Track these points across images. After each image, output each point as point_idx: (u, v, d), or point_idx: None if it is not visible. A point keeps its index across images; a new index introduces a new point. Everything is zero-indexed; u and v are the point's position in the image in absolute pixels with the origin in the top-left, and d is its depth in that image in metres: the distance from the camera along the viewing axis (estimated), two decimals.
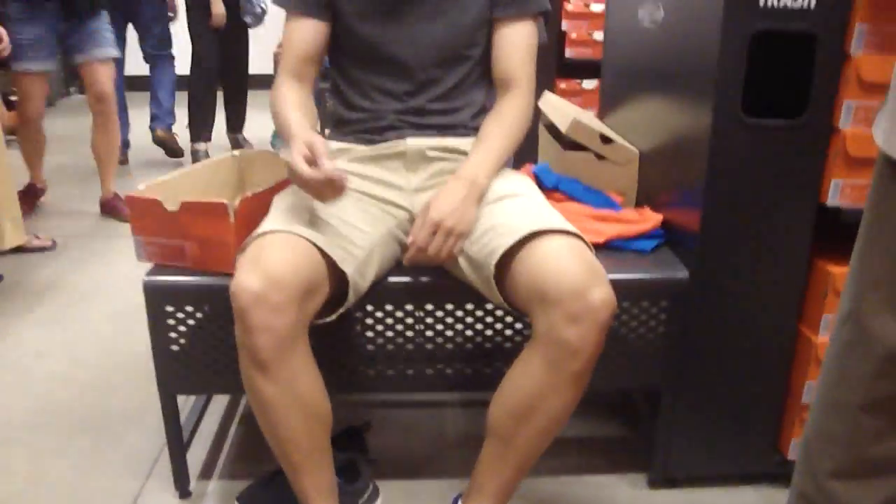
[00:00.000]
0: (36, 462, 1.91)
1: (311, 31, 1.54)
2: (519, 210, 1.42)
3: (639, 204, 1.89)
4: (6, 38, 2.98)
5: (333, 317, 1.43)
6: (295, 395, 1.32)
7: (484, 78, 1.60)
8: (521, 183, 1.54)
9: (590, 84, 3.82)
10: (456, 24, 1.51)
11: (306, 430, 1.36)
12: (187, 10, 4.43)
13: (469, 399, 2.23)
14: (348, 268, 1.37)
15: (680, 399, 1.72)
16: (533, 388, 1.32)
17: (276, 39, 4.66)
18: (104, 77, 3.45)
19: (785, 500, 1.76)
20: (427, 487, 1.82)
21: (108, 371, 2.36)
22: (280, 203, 1.49)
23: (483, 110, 1.59)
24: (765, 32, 1.47)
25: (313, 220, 1.40)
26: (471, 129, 1.57)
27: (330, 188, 1.30)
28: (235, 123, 4.94)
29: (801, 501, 1.23)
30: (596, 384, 1.67)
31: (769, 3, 1.46)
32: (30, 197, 3.79)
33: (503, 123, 1.52)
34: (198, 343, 1.62)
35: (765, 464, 1.80)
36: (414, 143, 1.54)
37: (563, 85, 3.80)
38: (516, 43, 1.54)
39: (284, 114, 1.48)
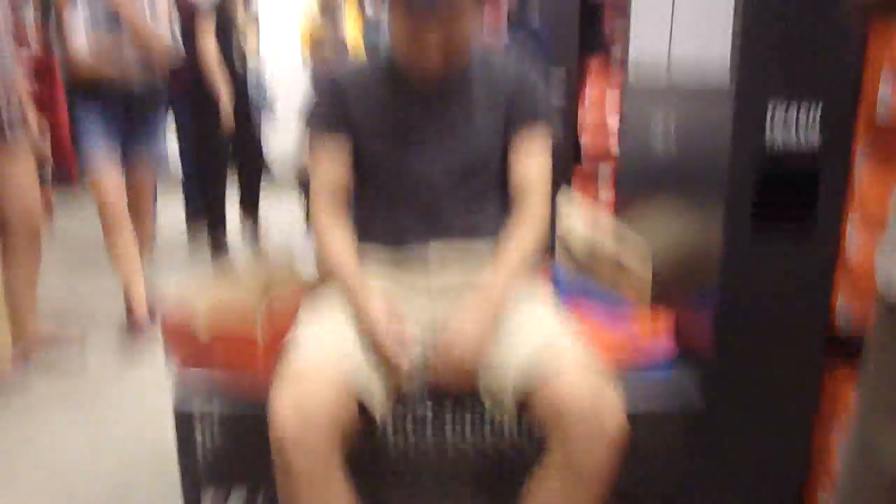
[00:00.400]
0: None
1: (338, 152, 1.61)
2: (537, 331, 1.47)
3: (654, 302, 1.93)
4: (49, 157, 3.09)
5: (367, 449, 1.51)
6: None
7: (501, 191, 1.66)
8: (539, 298, 1.59)
9: (605, 168, 3.88)
10: (469, 144, 1.59)
11: None
12: (192, 105, 4.26)
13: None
14: (377, 410, 1.45)
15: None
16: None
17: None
18: (147, 176, 3.32)
19: None
20: None
21: (131, 464, 2.38)
22: (307, 323, 1.53)
23: (503, 214, 1.65)
24: (772, 155, 1.53)
25: (338, 342, 1.46)
26: (492, 233, 1.63)
27: (398, 355, 1.43)
28: (251, 212, 4.77)
29: None
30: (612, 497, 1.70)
31: (776, 146, 1.53)
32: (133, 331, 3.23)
33: (519, 237, 1.57)
34: (223, 440, 1.66)
35: None
36: (436, 246, 1.60)
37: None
38: (531, 154, 1.61)
39: (344, 265, 1.56)
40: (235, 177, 4.65)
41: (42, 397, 2.80)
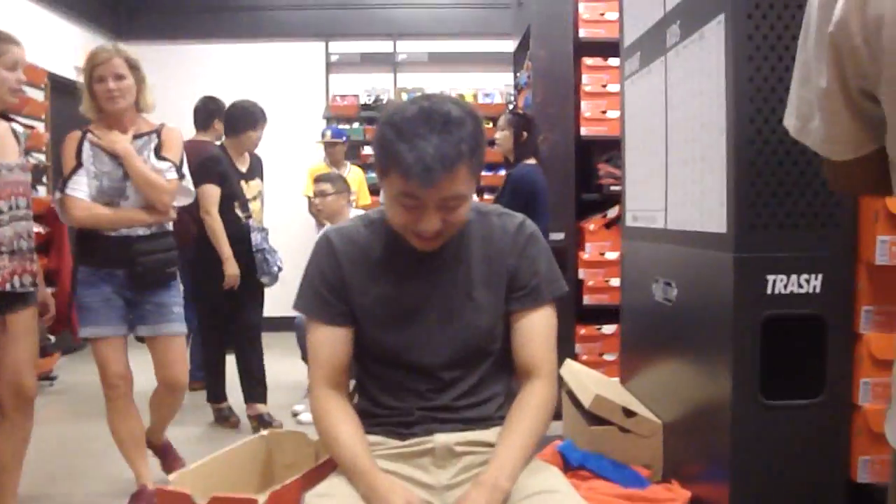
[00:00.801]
0: None
1: (337, 340, 1.57)
2: None
3: (665, 477, 1.89)
4: (52, 309, 2.90)
5: None
6: None
7: (506, 368, 1.63)
8: (549, 477, 1.53)
9: (609, 329, 3.90)
10: (471, 325, 1.54)
11: None
12: (193, 266, 4.10)
13: None
14: None
15: None
16: None
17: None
18: (175, 357, 2.97)
19: None
20: None
21: None
22: None
23: (509, 398, 1.61)
24: (775, 318, 1.54)
25: None
26: (497, 419, 1.58)
27: None
28: (256, 394, 4.27)
29: None
30: None
31: (777, 290, 1.54)
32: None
33: (525, 418, 1.52)
34: None
35: None
36: (441, 438, 1.55)
37: (582, 331, 3.87)
38: (535, 331, 1.56)
39: (358, 457, 1.50)
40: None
41: None
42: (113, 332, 2.83)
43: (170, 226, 2.99)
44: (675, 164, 1.86)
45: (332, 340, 1.57)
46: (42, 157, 5.34)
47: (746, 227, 1.54)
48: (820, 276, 1.55)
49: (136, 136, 2.84)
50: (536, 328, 1.57)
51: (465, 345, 1.54)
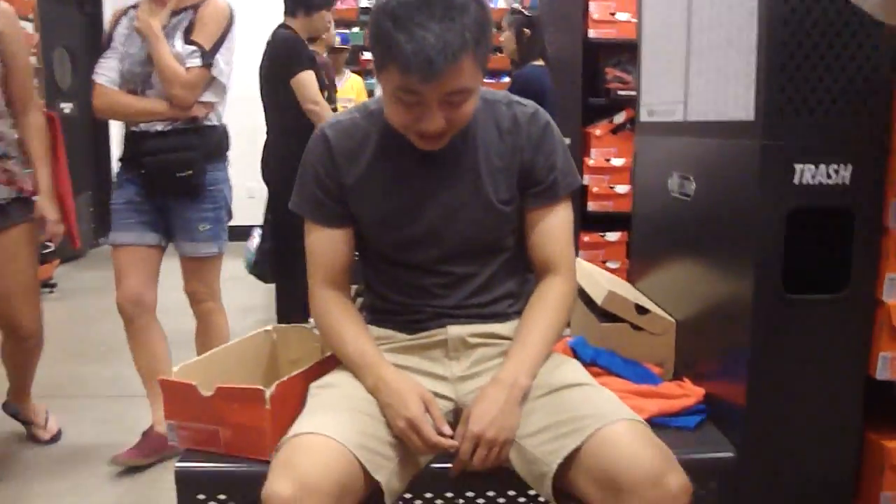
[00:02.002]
0: None
1: (336, 241, 1.51)
2: (579, 403, 1.36)
3: (677, 374, 1.86)
4: (56, 227, 2.54)
5: None
6: None
7: (520, 266, 1.57)
8: (573, 370, 1.49)
9: (613, 236, 3.87)
10: (479, 221, 1.47)
11: None
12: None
13: None
14: (382, 476, 1.32)
15: None
16: None
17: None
18: (195, 278, 2.67)
19: None
20: None
21: None
22: (316, 398, 1.45)
23: (522, 296, 1.56)
24: (801, 209, 1.48)
25: (351, 420, 1.36)
26: (513, 315, 1.54)
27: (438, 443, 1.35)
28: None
29: None
30: None
31: (804, 181, 1.48)
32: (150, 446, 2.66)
33: (545, 313, 1.47)
34: None
35: None
36: (454, 330, 1.50)
37: (586, 238, 3.85)
38: (553, 228, 1.50)
39: (366, 354, 1.46)
40: None
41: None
42: (132, 241, 2.53)
43: (212, 119, 2.58)
44: (697, 52, 1.77)
45: (330, 242, 1.51)
46: (33, 60, 5.19)
47: (775, 113, 1.46)
48: (850, 167, 1.48)
49: (175, 13, 2.47)
50: (554, 224, 1.52)
51: (474, 240, 1.48)
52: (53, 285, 5.49)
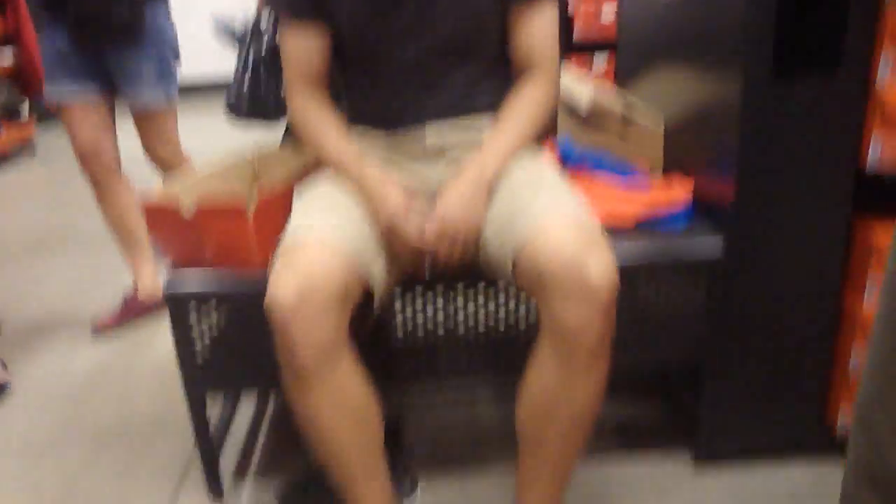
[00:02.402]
0: (65, 477, 1.87)
1: (311, 39, 1.45)
2: (533, 198, 1.33)
3: (666, 174, 1.83)
4: None
5: (368, 327, 1.39)
6: (344, 406, 1.26)
7: (503, 74, 1.52)
8: (540, 168, 1.45)
9: (600, 59, 3.77)
10: (459, 16, 1.40)
11: (358, 440, 1.30)
12: None
13: (501, 396, 2.18)
14: (375, 280, 1.32)
15: (721, 374, 1.66)
16: (548, 385, 1.25)
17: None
18: (151, 135, 2.51)
19: (835, 470, 1.72)
20: (464, 483, 1.77)
21: (132, 380, 2.32)
22: (305, 202, 1.42)
23: (507, 92, 1.51)
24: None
25: (345, 224, 1.34)
26: (494, 108, 1.49)
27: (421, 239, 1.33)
28: None
29: (860, 471, 1.18)
30: (634, 362, 1.63)
31: None
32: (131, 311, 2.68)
33: (521, 109, 1.43)
34: (222, 341, 1.58)
35: (812, 435, 1.74)
36: (433, 126, 1.47)
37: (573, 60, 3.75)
38: (536, 26, 1.44)
39: (344, 152, 1.43)
40: None
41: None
42: (71, 95, 2.35)
43: None
44: None
45: (305, 40, 1.45)
46: None
47: None
48: None
49: None
50: (537, 23, 1.46)
51: (454, 38, 1.42)
52: (34, 150, 5.40)
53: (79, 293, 2.97)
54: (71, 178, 4.51)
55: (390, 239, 1.35)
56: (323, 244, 1.26)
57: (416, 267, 1.42)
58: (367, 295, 1.35)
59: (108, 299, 2.82)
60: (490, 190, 1.37)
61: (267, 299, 1.22)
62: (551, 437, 1.28)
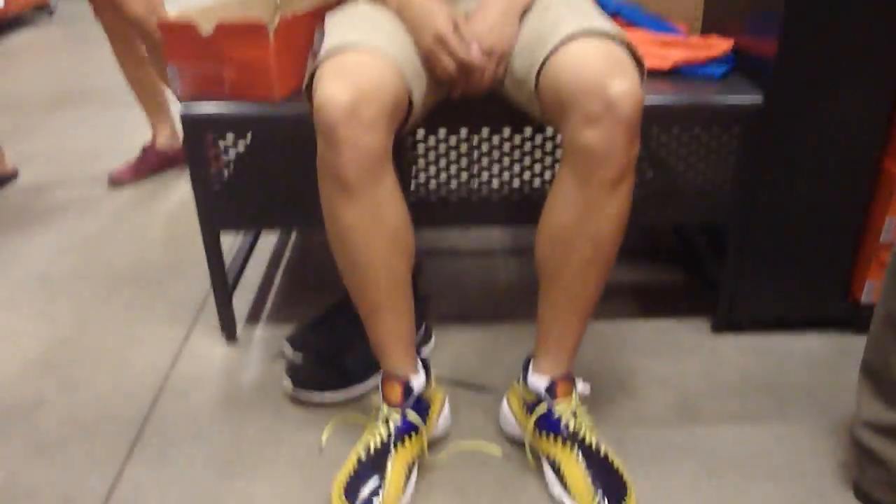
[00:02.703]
0: (80, 312, 1.87)
1: None
2: (564, 17, 1.26)
3: (705, 31, 1.75)
4: None
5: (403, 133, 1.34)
6: (380, 222, 1.21)
7: None
8: None
9: None
10: None
11: (388, 262, 1.25)
12: None
13: (518, 247, 2.15)
14: (416, 95, 1.26)
15: (749, 236, 1.62)
16: (569, 210, 1.20)
17: None
18: None
19: (853, 345, 1.69)
20: (480, 331, 1.76)
21: (147, 230, 2.31)
22: (342, 21, 1.35)
23: None
24: None
25: (388, 36, 1.28)
26: None
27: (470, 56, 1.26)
28: None
29: (886, 313, 1.16)
30: (662, 218, 1.59)
31: None
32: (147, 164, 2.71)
33: None
34: (240, 175, 1.54)
35: (834, 308, 1.71)
36: None
37: None
38: None
39: None
40: None
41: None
42: None
43: None
44: None
45: None
46: None
47: None
48: None
49: None
50: None
51: None
52: (52, 11, 5.29)
53: (97, 148, 2.95)
54: (89, 39, 4.46)
55: (433, 58, 1.28)
56: (375, 53, 1.20)
57: (450, 88, 1.35)
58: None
59: (126, 154, 2.80)
60: (524, 7, 1.31)
61: (317, 99, 1.15)
62: (573, 266, 1.24)
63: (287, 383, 1.52)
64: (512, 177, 1.57)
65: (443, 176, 1.56)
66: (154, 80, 2.62)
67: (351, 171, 1.15)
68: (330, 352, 1.55)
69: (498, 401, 1.52)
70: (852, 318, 1.71)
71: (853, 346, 1.69)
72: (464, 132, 1.51)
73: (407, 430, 1.30)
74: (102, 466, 1.39)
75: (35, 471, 1.38)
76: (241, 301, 1.90)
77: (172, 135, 2.69)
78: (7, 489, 1.34)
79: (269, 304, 1.89)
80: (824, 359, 1.66)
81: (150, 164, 2.66)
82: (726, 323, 1.75)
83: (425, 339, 1.68)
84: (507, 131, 1.52)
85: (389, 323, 1.31)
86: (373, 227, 1.20)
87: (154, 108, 2.65)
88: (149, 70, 2.58)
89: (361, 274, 1.26)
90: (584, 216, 1.19)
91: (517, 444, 1.42)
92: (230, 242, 2.10)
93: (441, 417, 1.41)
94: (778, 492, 1.31)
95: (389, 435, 1.29)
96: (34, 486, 1.35)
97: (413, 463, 1.31)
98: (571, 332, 1.32)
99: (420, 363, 1.37)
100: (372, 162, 1.16)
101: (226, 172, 1.55)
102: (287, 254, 2.14)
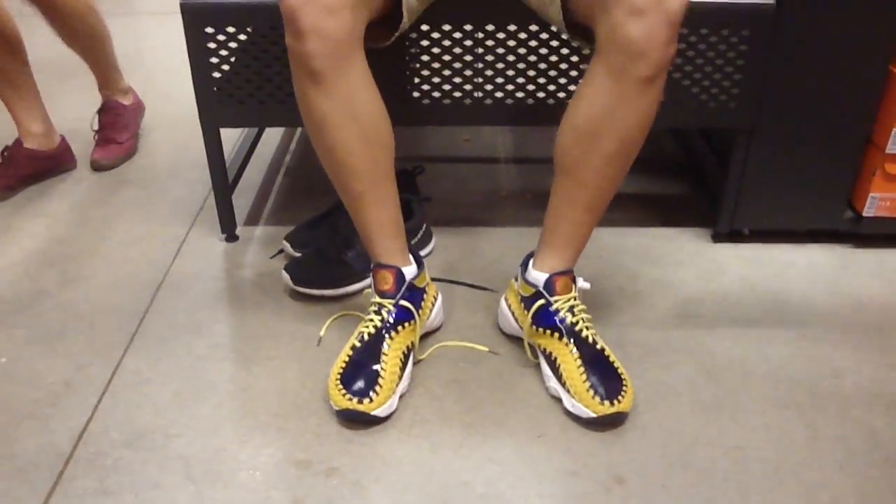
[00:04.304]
0: (80, 211, 1.86)
1: None
2: None
3: None
4: None
5: (389, 42, 1.32)
6: (353, 113, 1.20)
7: None
8: None
9: None
10: None
11: (367, 153, 1.25)
12: None
13: (521, 155, 2.13)
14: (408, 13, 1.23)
15: (754, 143, 1.60)
16: (599, 103, 1.18)
17: None
18: None
19: (855, 257, 1.69)
20: (479, 235, 1.75)
21: (148, 132, 2.29)
22: None
23: None
24: None
25: None
26: None
27: None
28: None
29: None
30: (669, 121, 1.57)
31: None
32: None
33: None
34: (241, 69, 1.52)
35: (835, 221, 1.70)
36: None
37: None
38: None
39: None
40: None
41: None
42: None
43: None
44: None
45: None
46: None
47: None
48: None
49: None
50: None
51: None
52: None
53: None
54: None
55: None
56: None
57: None
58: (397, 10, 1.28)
59: None
60: None
61: None
62: (595, 160, 1.22)
63: (286, 279, 1.52)
64: (517, 75, 1.54)
65: (446, 73, 1.53)
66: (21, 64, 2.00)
67: (317, 61, 1.13)
68: (329, 248, 1.54)
69: (496, 300, 1.53)
70: (855, 231, 1.71)
71: (855, 259, 1.69)
72: (468, 28, 1.48)
73: (400, 318, 1.30)
74: (103, 356, 1.40)
75: (36, 358, 1.39)
76: (242, 202, 1.89)
77: (47, 132, 2.08)
78: (8, 375, 1.35)
79: (269, 206, 1.88)
80: (825, 270, 1.66)
81: (19, 171, 2.02)
82: (727, 233, 1.74)
83: (425, 241, 1.67)
84: (512, 27, 1.49)
85: (374, 213, 1.30)
86: (346, 117, 1.19)
87: (20, 97, 2.04)
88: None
89: (340, 164, 1.25)
90: (615, 110, 1.17)
91: (515, 342, 1.42)
92: (231, 144, 2.08)
93: (434, 309, 1.41)
94: (774, 393, 1.32)
95: (383, 321, 1.30)
96: (35, 372, 1.36)
97: (408, 352, 1.31)
98: (581, 228, 1.31)
99: (412, 256, 1.37)
100: (338, 49, 1.14)
101: (225, 65, 1.52)
102: (288, 157, 2.13)
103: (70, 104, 2.46)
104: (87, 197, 1.93)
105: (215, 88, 1.54)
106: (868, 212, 1.66)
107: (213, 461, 1.17)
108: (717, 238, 1.75)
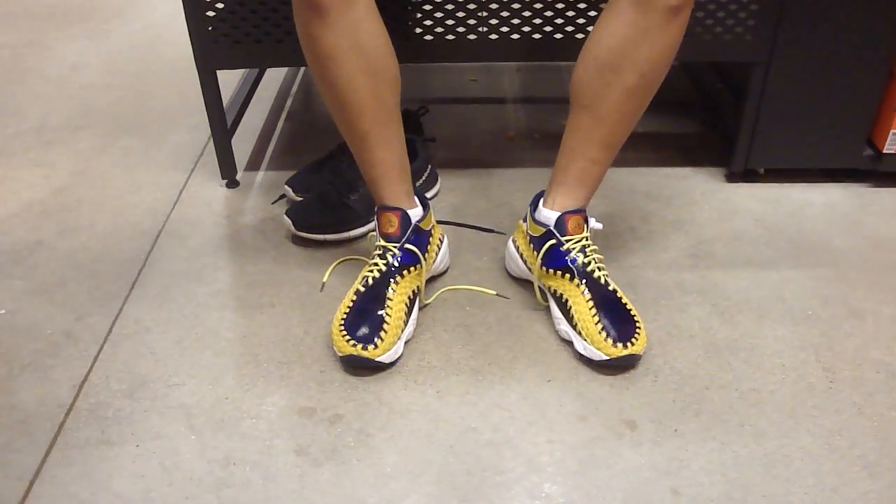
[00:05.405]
0: (79, 160, 1.83)
1: None
2: None
3: None
4: None
5: None
6: (357, 47, 1.15)
7: None
8: None
9: None
10: None
11: (372, 89, 1.19)
12: None
13: (530, 96, 2.08)
14: None
15: (771, 79, 1.54)
16: (621, 33, 1.13)
17: None
18: None
19: (873, 197, 1.63)
20: (486, 176, 1.71)
21: (146, 78, 2.24)
22: None
23: None
24: None
25: None
26: None
27: None
28: None
29: None
30: (682, 54, 1.51)
31: None
32: None
33: None
34: (236, 6, 1.46)
35: (853, 159, 1.64)
36: None
37: None
38: None
39: None
40: None
41: None
42: None
43: None
44: None
45: None
46: None
47: None
48: None
49: None
50: None
51: None
52: None
53: None
54: None
55: None
56: None
57: None
58: None
59: None
60: None
61: None
62: (615, 94, 1.17)
63: (288, 224, 1.48)
64: (523, 8, 1.48)
65: (449, 6, 1.47)
66: None
67: None
68: (332, 192, 1.50)
69: (503, 243, 1.49)
70: (874, 170, 1.65)
71: (873, 198, 1.64)
72: None
73: (406, 262, 1.27)
74: (103, 304, 1.37)
75: (36, 308, 1.37)
76: (242, 148, 1.84)
77: None
78: (8, 325, 1.32)
79: (270, 151, 1.84)
80: (843, 210, 1.61)
81: None
82: (742, 172, 1.69)
83: (430, 183, 1.63)
84: None
85: (378, 153, 1.25)
86: (350, 52, 1.14)
87: None
88: None
89: (344, 102, 1.20)
90: (638, 42, 1.11)
91: (523, 285, 1.39)
92: (232, 88, 2.03)
93: (440, 253, 1.37)
94: (790, 335, 1.28)
95: (388, 266, 1.26)
96: (35, 322, 1.33)
97: (414, 297, 1.28)
98: (595, 166, 1.26)
99: (417, 199, 1.33)
100: None
101: (221, 4, 1.46)
102: (290, 101, 2.08)
103: (71, 50, 2.41)
104: (86, 145, 1.89)
105: (210, 28, 1.48)
106: (889, 149, 1.61)
107: (214, 410, 1.15)
108: (732, 178, 1.70)
